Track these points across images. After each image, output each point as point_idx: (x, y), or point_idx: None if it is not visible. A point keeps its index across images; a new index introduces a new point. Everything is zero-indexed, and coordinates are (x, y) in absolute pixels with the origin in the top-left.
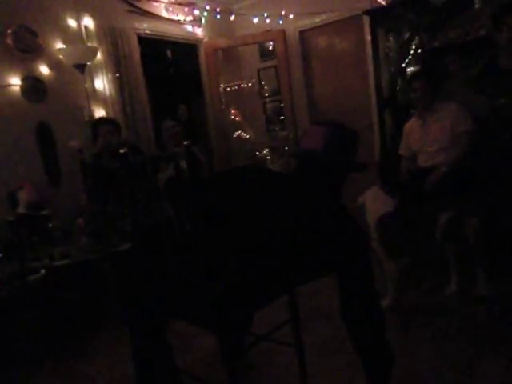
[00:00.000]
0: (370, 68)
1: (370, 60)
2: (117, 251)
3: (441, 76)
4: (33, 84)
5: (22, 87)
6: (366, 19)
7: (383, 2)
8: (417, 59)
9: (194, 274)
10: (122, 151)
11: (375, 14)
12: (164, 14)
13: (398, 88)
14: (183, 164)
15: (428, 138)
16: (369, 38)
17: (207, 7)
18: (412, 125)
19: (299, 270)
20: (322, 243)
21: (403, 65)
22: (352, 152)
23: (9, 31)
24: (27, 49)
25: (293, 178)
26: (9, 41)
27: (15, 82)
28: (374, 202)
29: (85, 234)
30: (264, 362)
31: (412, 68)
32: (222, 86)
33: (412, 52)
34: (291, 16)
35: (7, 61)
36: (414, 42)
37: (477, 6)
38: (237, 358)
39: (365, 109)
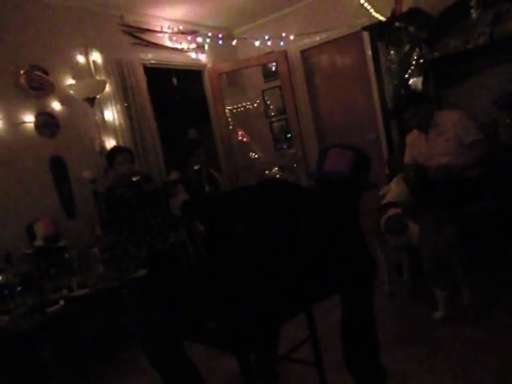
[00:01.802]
0: (373, 82)
1: (372, 74)
2: (134, 278)
3: (443, 85)
4: (46, 120)
5: (35, 123)
6: (366, 35)
7: (382, 18)
8: (419, 70)
9: (209, 296)
10: (134, 179)
11: (374, 29)
12: (168, 43)
13: (401, 100)
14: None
15: (435, 151)
16: (369, 52)
17: (209, 34)
18: (414, 136)
19: (313, 290)
20: (337, 265)
21: (406, 76)
22: (369, 175)
23: (22, 71)
24: (39, 87)
25: (316, 195)
26: (22, 80)
27: (29, 119)
28: (397, 186)
29: (101, 263)
30: (285, 381)
31: (414, 79)
32: (228, 108)
33: (414, 63)
34: (292, 37)
35: (21, 99)
36: (415, 54)
37: (474, 15)
38: (267, 379)
39: (370, 122)
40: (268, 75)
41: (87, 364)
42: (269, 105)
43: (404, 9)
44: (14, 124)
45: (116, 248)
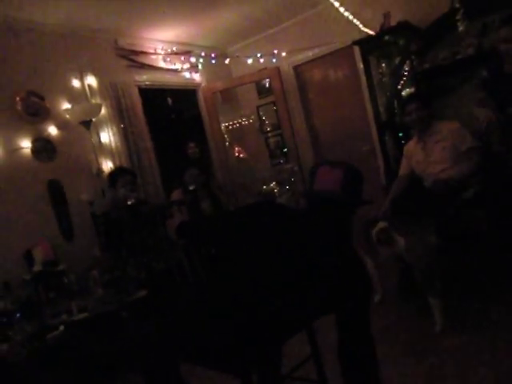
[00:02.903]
0: (366, 94)
1: (364, 87)
2: (133, 299)
3: (435, 96)
4: (42, 145)
5: (32, 149)
6: (357, 49)
7: (371, 32)
8: (410, 81)
9: (207, 315)
10: (129, 203)
11: (364, 43)
12: (162, 64)
13: (395, 111)
14: (205, 205)
15: (430, 159)
16: (361, 66)
17: (203, 54)
18: (413, 146)
19: (310, 308)
20: (332, 282)
21: (398, 88)
22: (361, 190)
23: (18, 98)
24: (36, 112)
25: (308, 217)
26: (18, 107)
27: (26, 144)
28: None
29: (100, 286)
30: None
31: (407, 90)
32: (223, 125)
33: (405, 75)
34: (284, 53)
35: (18, 125)
36: (406, 66)
37: (460, 28)
38: None
39: (365, 134)
40: (262, 91)
41: None
42: (264, 120)
43: (392, 23)
44: (11, 150)
45: (115, 270)
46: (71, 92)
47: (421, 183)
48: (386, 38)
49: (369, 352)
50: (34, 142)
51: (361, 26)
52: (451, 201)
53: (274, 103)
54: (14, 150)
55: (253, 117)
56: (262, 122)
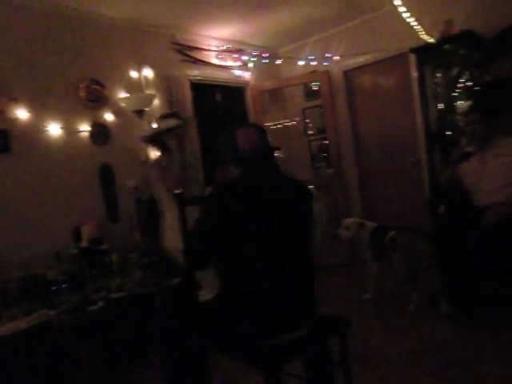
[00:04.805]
0: (417, 104)
1: (416, 96)
2: (168, 285)
3: (499, 110)
4: (99, 130)
5: (90, 132)
6: (412, 57)
7: (431, 40)
8: (467, 94)
9: (239, 308)
10: (176, 192)
11: (422, 51)
12: (214, 61)
13: (447, 123)
14: None
15: (485, 173)
16: (415, 75)
17: (254, 53)
18: (469, 165)
19: None
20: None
21: (452, 100)
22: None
23: (81, 85)
24: (96, 99)
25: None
26: (82, 93)
27: (85, 128)
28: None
29: (139, 268)
30: None
31: (462, 103)
32: (266, 124)
33: (462, 87)
34: (337, 58)
35: (79, 110)
36: (464, 77)
37: None
38: None
39: (411, 145)
40: (309, 94)
41: (119, 363)
42: (308, 123)
43: (455, 31)
44: (72, 132)
45: (154, 254)
46: (129, 82)
47: (469, 199)
48: (446, 46)
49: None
50: (92, 126)
51: (422, 32)
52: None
53: (320, 107)
54: (75, 133)
55: (298, 119)
56: (306, 125)
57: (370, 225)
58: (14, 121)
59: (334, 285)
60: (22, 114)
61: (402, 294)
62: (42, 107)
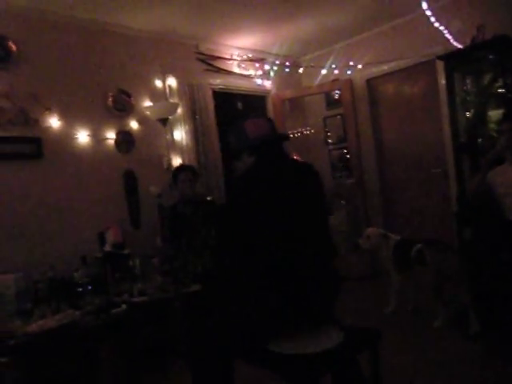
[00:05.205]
0: (445, 113)
1: (444, 105)
2: (187, 292)
3: None
4: (124, 137)
5: (115, 140)
6: (440, 64)
7: (460, 46)
8: (500, 102)
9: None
10: (208, 198)
11: (451, 58)
12: (236, 70)
13: (477, 132)
14: None
15: None
16: (443, 82)
17: (277, 62)
18: (503, 176)
19: None
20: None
21: (484, 108)
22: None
23: (110, 94)
24: (123, 108)
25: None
26: (109, 102)
27: (111, 136)
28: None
29: (159, 274)
30: None
31: (494, 111)
32: (288, 133)
33: (495, 94)
34: (360, 66)
35: (106, 118)
36: (498, 84)
37: None
38: None
39: (437, 156)
40: (331, 102)
41: (139, 366)
42: (328, 132)
43: (487, 36)
44: (99, 140)
45: (174, 261)
46: (153, 91)
47: (500, 211)
48: (478, 52)
49: None
50: (117, 134)
51: (451, 39)
52: None
53: (341, 115)
54: (102, 140)
55: (318, 128)
56: (326, 134)
57: (394, 237)
58: (47, 129)
59: (356, 298)
60: (54, 122)
61: (426, 309)
62: (72, 116)
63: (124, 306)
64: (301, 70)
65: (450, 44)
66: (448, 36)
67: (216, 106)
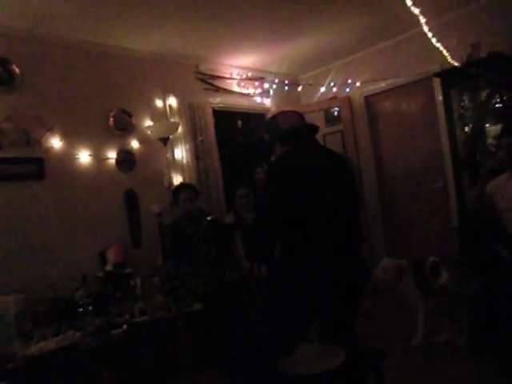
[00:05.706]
0: (443, 129)
1: (442, 121)
2: (189, 311)
3: None
4: (125, 156)
5: (116, 159)
6: (437, 81)
7: (456, 63)
8: (497, 117)
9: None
10: (208, 218)
11: (448, 75)
12: (236, 88)
13: (476, 148)
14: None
15: None
16: (440, 98)
17: (276, 80)
18: (504, 190)
19: None
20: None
21: (481, 124)
22: None
23: (111, 114)
24: (124, 128)
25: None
26: (111, 122)
27: (112, 155)
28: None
29: (160, 293)
30: None
31: (492, 127)
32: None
33: (492, 110)
34: (358, 83)
35: (108, 138)
36: (494, 100)
37: None
38: None
39: (436, 171)
40: (330, 119)
41: None
42: None
43: (482, 54)
44: (100, 159)
45: (175, 280)
46: (154, 110)
47: (499, 225)
48: (473, 70)
49: None
50: (118, 153)
51: (448, 56)
52: None
53: (341, 132)
54: (103, 159)
55: None
56: None
57: (405, 262)
58: (49, 149)
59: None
60: (56, 142)
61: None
62: (74, 136)
63: (125, 327)
64: (300, 88)
65: (447, 61)
66: (445, 53)
67: (216, 125)
